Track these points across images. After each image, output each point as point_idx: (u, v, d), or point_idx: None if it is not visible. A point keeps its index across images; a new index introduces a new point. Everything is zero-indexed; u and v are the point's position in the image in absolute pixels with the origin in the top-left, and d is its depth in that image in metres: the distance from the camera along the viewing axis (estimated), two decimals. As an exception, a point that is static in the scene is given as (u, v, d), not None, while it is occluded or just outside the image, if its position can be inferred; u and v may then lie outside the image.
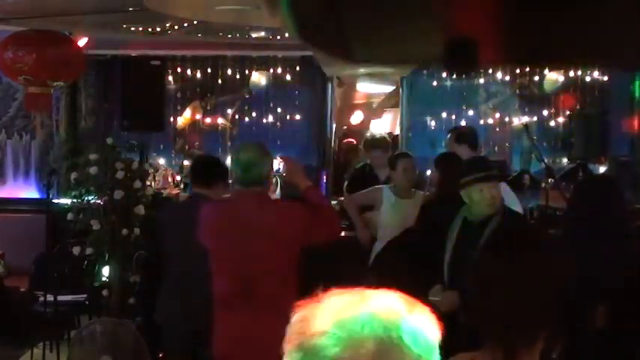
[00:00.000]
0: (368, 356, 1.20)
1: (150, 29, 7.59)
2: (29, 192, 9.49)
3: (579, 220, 4.13)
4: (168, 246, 5.06)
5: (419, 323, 1.26)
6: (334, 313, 1.24)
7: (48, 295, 6.61)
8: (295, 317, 1.27)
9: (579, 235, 4.01)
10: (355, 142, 10.05)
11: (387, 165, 6.62)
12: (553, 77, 9.79)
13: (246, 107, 10.37)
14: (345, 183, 7.71)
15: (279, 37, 7.96)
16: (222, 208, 4.01)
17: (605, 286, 3.86)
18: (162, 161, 9.72)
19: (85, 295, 6.98)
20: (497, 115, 10.24)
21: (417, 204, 5.54)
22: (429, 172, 7.39)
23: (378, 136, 7.32)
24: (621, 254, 3.91)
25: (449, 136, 6.26)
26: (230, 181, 4.80)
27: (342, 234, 5.36)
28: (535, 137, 8.88)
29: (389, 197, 5.69)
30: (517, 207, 5.96)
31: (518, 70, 9.88)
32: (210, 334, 4.30)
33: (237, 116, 10.38)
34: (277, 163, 4.03)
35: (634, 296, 3.83)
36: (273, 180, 5.90)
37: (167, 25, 7.36)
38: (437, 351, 1.27)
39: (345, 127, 11.40)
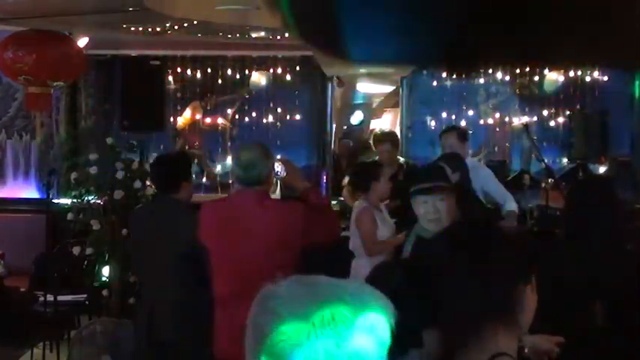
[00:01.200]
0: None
1: (150, 29, 7.59)
2: (29, 192, 9.49)
3: (579, 220, 4.12)
4: (133, 251, 5.00)
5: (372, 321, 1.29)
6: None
7: (48, 295, 6.61)
8: None
9: (579, 235, 4.00)
10: (353, 143, 10.05)
11: (395, 161, 6.64)
12: (553, 77, 9.78)
13: (246, 107, 10.38)
14: (347, 179, 7.72)
15: (279, 37, 7.96)
16: (222, 207, 4.01)
17: (605, 285, 3.86)
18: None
19: (85, 295, 6.98)
20: (497, 115, 10.24)
21: (387, 214, 5.31)
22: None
23: (387, 130, 7.33)
24: (621, 254, 3.91)
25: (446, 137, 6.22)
26: (231, 181, 4.77)
27: (342, 234, 5.36)
28: (535, 137, 8.88)
29: (376, 213, 5.18)
30: (511, 203, 5.99)
31: (518, 70, 9.89)
32: (181, 349, 4.27)
33: (237, 116, 10.39)
34: (276, 165, 4.02)
35: (633, 296, 3.83)
36: (273, 181, 5.88)
37: (167, 25, 7.35)
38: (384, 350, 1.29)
39: (345, 127, 11.40)
